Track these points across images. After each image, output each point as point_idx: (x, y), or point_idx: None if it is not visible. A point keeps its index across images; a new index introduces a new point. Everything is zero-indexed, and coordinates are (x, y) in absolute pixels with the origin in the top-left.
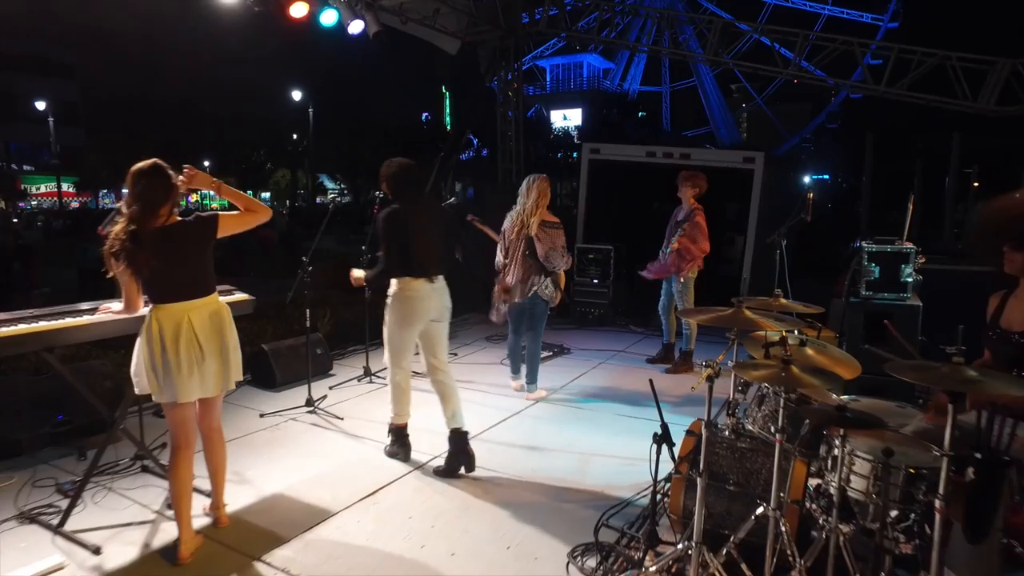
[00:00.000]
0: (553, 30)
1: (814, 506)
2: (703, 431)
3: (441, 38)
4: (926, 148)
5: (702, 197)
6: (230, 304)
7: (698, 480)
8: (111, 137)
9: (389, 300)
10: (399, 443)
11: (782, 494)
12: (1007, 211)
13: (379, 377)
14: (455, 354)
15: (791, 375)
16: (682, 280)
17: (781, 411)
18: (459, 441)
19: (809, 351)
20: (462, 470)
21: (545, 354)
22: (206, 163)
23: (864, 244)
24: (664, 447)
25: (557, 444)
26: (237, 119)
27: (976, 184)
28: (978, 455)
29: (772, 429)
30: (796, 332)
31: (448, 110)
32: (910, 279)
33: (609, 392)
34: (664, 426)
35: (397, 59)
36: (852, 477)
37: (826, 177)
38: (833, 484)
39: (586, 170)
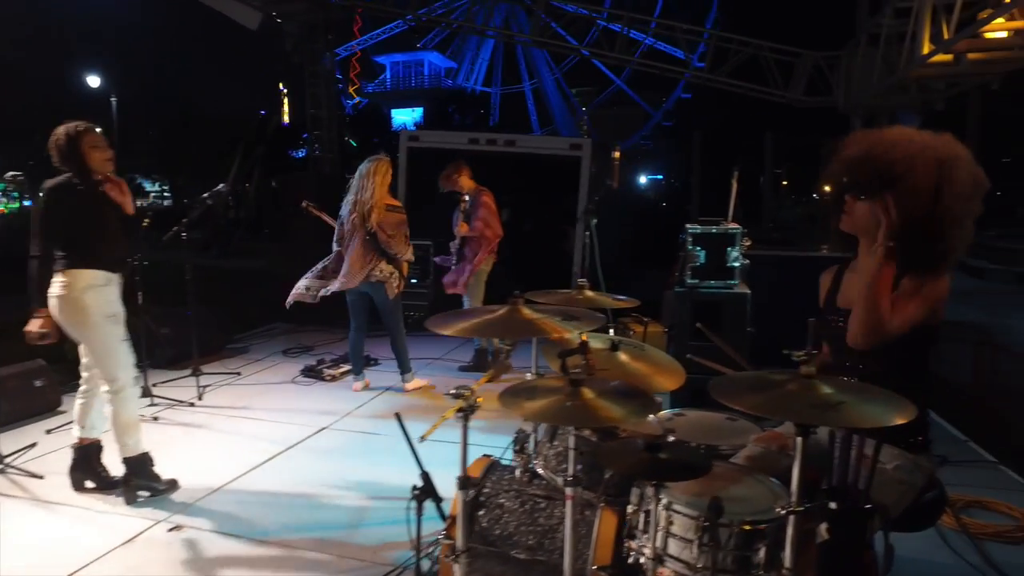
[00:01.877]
0: (367, 2)
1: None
2: (461, 494)
3: (239, 9)
4: (747, 147)
5: (532, 187)
6: None
7: (455, 566)
8: None
9: (72, 298)
10: (145, 475)
11: (584, 562)
12: (852, 155)
13: None
14: (238, 373)
15: (580, 405)
16: (474, 273)
17: (571, 453)
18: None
19: (623, 357)
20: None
21: (345, 367)
22: None
23: (688, 226)
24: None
25: (335, 485)
26: (27, 105)
27: (784, 183)
28: (833, 504)
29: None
30: (613, 332)
31: (287, 106)
32: (737, 264)
33: (416, 410)
34: (425, 476)
35: (233, 51)
36: (671, 541)
37: (660, 177)
38: (647, 551)
39: (405, 159)
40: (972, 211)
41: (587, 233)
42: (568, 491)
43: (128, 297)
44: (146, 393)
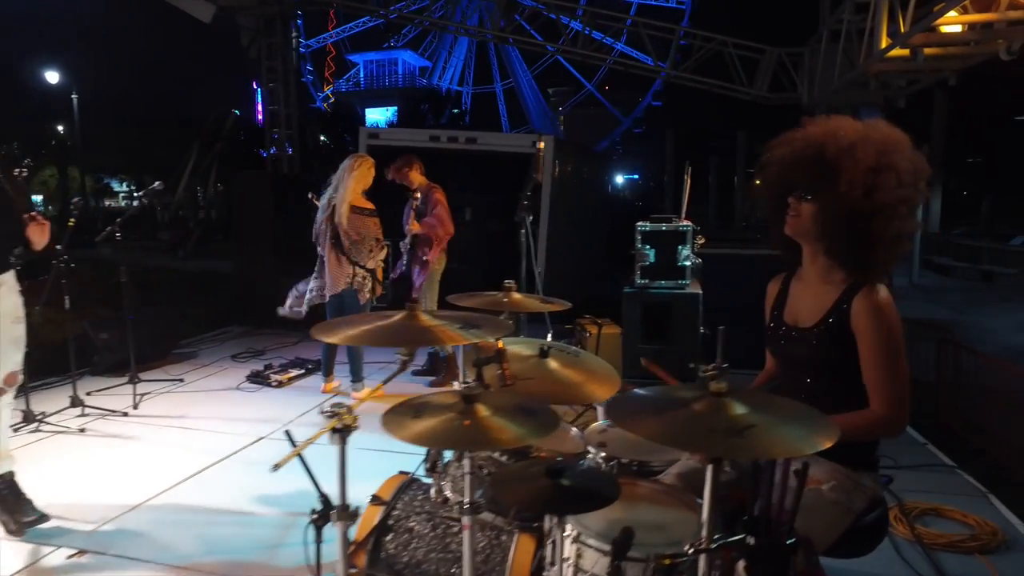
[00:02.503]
0: None
1: None
2: (340, 525)
3: (191, 2)
4: (721, 147)
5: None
6: None
7: None
8: None
9: None
10: (13, 498)
11: None
12: (794, 152)
13: (48, 423)
14: (181, 380)
15: (472, 425)
16: (428, 275)
17: (467, 479)
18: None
19: (552, 364)
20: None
21: (294, 372)
22: None
23: (639, 224)
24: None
25: (263, 501)
26: None
27: (757, 183)
28: (751, 539)
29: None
30: (548, 341)
31: (260, 105)
32: (688, 263)
33: (363, 416)
34: (324, 499)
35: (203, 48)
36: None
37: (636, 177)
38: None
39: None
40: (914, 199)
41: (523, 232)
42: (465, 520)
43: (56, 301)
44: (76, 403)
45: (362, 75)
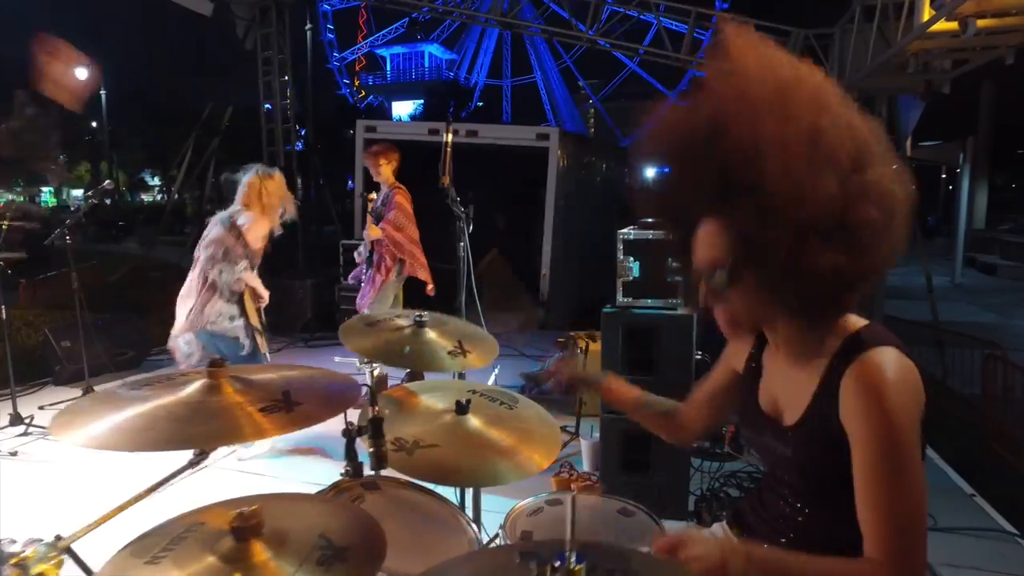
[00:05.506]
0: None
1: None
2: None
3: None
4: None
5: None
6: None
7: None
8: None
9: None
10: None
11: None
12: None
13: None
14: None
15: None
16: (379, 291)
17: None
18: None
19: (473, 423)
20: None
21: None
22: None
23: (621, 232)
24: None
25: None
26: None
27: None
28: None
29: None
30: (481, 386)
31: (288, 100)
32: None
33: (318, 440)
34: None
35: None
36: None
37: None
38: None
39: (361, 152)
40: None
41: (461, 245)
42: None
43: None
44: (16, 421)
45: (389, 69)
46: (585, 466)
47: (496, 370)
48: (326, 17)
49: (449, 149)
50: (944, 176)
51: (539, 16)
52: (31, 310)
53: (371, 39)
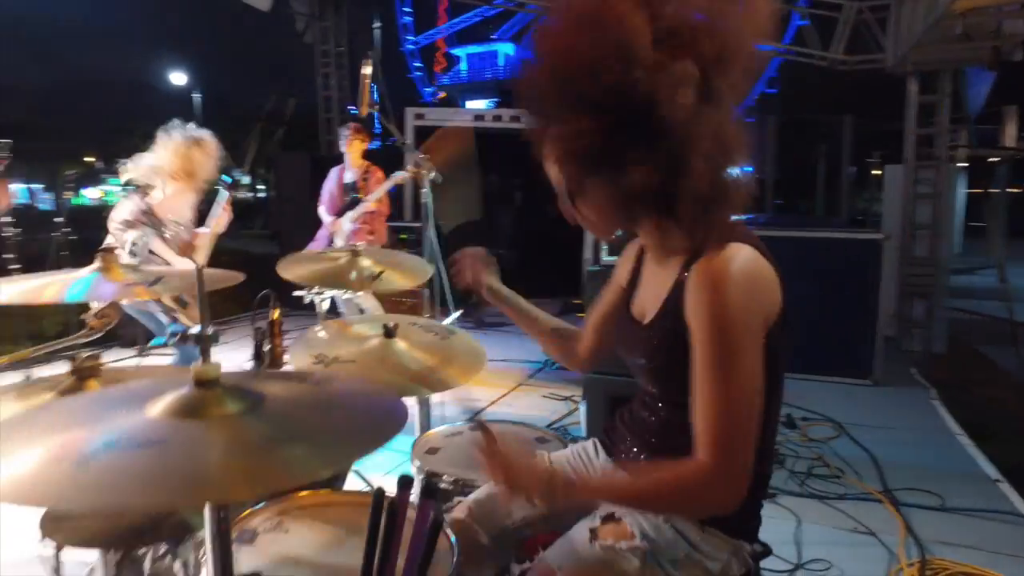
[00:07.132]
0: None
1: None
2: None
3: None
4: (828, 133)
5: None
6: None
7: None
8: None
9: None
10: None
11: None
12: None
13: None
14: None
15: None
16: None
17: None
18: None
19: (399, 345)
20: None
21: None
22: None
23: None
24: None
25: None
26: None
27: (879, 172)
28: None
29: None
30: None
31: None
32: None
33: None
34: None
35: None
36: None
37: (750, 169)
38: None
39: (412, 139)
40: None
41: (424, 204)
42: None
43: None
44: None
45: (464, 68)
46: (583, 433)
47: (458, 313)
48: (413, 56)
49: (367, 81)
50: None
51: None
52: None
53: (444, 26)
